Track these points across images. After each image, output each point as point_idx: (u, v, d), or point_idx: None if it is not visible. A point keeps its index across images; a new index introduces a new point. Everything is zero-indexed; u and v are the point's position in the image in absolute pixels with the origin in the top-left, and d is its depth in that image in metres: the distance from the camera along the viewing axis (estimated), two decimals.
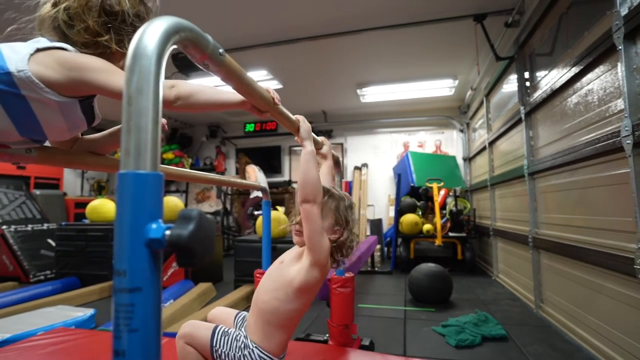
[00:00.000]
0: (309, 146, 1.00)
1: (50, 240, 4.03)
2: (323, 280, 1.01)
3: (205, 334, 0.99)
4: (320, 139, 1.25)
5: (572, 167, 2.03)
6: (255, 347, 0.98)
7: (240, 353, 0.97)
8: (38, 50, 0.69)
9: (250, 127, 6.34)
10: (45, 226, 4.16)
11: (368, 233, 5.27)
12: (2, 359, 1.52)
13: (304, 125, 1.03)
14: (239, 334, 1.01)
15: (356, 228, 1.07)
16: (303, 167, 0.96)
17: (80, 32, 0.77)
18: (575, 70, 1.93)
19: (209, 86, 0.81)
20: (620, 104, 1.57)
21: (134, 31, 0.85)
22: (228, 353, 0.97)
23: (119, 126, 0.92)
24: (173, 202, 3.64)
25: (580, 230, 1.96)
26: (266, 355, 0.98)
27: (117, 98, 0.74)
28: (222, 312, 1.19)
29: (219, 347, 0.98)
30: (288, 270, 1.01)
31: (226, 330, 1.01)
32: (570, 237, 2.05)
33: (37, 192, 4.85)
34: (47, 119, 0.74)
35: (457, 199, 4.51)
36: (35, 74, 0.67)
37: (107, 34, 0.78)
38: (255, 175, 4.95)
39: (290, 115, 0.98)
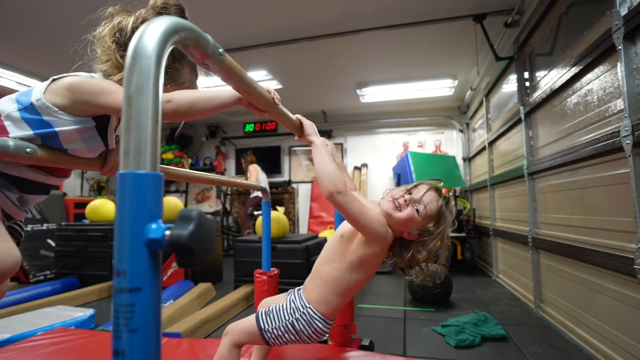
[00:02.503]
0: (316, 140, 0.99)
1: (50, 241, 4.03)
2: (384, 252, 1.01)
3: (250, 323, 1.01)
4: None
5: (571, 167, 2.03)
6: (310, 307, 1.00)
7: (292, 318, 0.99)
8: (54, 80, 0.85)
9: (250, 127, 6.34)
10: (45, 226, 4.16)
11: None
12: (3, 359, 1.52)
13: (306, 122, 1.03)
14: (285, 301, 1.03)
15: (440, 253, 1.03)
16: (316, 162, 0.96)
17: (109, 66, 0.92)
18: (574, 70, 1.93)
19: (203, 91, 0.86)
20: (619, 104, 1.57)
21: None
22: (279, 326, 0.99)
23: None
24: (173, 202, 3.63)
25: (580, 230, 1.96)
26: (319, 316, 1.00)
27: (117, 115, 0.89)
28: (272, 300, 1.20)
29: (268, 325, 0.99)
30: (347, 247, 1.01)
31: (267, 310, 1.03)
32: (570, 237, 2.05)
33: None
34: (69, 142, 0.87)
35: (456, 199, 4.51)
36: (49, 101, 0.83)
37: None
38: (257, 175, 4.95)
39: (290, 114, 0.98)
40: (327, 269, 1.03)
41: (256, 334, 0.99)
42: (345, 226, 1.05)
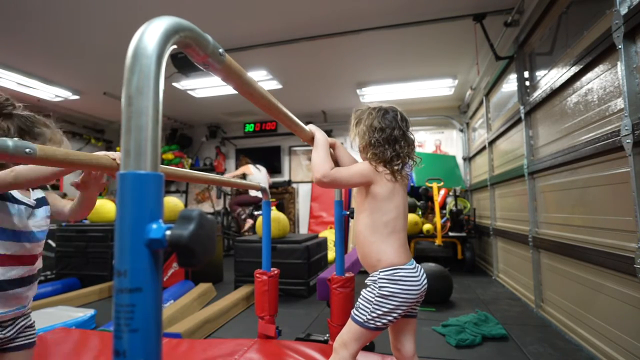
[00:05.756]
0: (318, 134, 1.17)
1: (50, 241, 4.02)
2: (390, 186, 1.08)
3: (351, 327, 1.04)
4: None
5: (572, 166, 2.03)
6: (379, 271, 1.04)
7: (376, 290, 1.02)
8: None
9: (250, 128, 6.34)
10: None
11: None
12: None
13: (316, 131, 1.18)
14: (363, 290, 1.07)
15: (398, 132, 1.12)
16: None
17: None
18: (575, 69, 1.93)
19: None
20: (620, 103, 1.57)
21: None
22: (374, 307, 1.01)
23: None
24: (173, 202, 3.63)
25: (580, 229, 1.96)
26: (393, 269, 1.03)
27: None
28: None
29: (366, 314, 1.02)
30: (363, 197, 1.12)
31: (356, 305, 1.06)
32: (570, 237, 2.05)
33: None
34: None
35: (457, 198, 4.51)
36: None
37: None
38: (240, 173, 4.98)
39: (297, 120, 0.99)
40: (361, 228, 1.10)
41: (363, 331, 1.02)
42: (356, 192, 1.19)
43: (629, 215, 1.50)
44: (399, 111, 1.16)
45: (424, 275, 1.08)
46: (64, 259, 3.55)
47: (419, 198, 4.60)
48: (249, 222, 4.93)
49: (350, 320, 1.05)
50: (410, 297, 1.02)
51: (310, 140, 1.17)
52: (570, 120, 2.05)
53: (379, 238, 1.06)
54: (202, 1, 2.70)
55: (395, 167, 1.09)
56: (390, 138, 1.10)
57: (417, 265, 1.08)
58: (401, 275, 1.02)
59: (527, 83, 2.74)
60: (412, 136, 1.15)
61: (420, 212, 4.47)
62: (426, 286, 1.07)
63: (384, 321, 1.01)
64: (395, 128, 1.11)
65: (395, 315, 1.01)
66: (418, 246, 4.34)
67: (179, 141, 6.55)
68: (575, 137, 1.99)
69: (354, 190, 1.19)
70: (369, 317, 1.01)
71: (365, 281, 1.08)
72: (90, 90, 4.57)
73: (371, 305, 1.01)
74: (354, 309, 1.06)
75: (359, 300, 1.06)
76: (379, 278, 1.03)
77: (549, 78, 2.31)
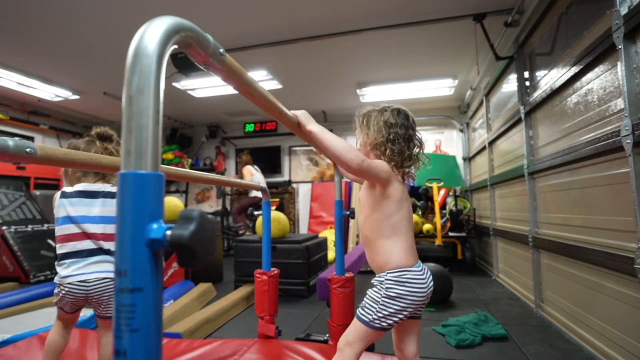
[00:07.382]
0: (314, 127, 1.00)
1: (50, 241, 4.03)
2: (401, 187, 1.06)
3: (356, 326, 1.03)
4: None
5: (572, 166, 2.03)
6: (387, 272, 1.03)
7: (383, 291, 1.01)
8: None
9: (250, 127, 6.33)
10: (45, 227, 4.15)
11: None
12: (3, 359, 1.53)
13: (299, 112, 1.02)
14: (370, 290, 1.06)
15: (409, 131, 1.10)
16: (327, 144, 0.97)
17: None
18: (575, 69, 1.93)
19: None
20: (620, 103, 1.57)
21: None
22: (380, 306, 1.00)
23: None
24: (173, 202, 3.63)
25: (580, 229, 1.95)
26: (401, 271, 1.02)
27: None
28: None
29: (372, 314, 1.01)
30: (374, 196, 1.07)
31: (361, 305, 1.05)
32: (570, 237, 2.05)
33: (37, 192, 4.84)
34: None
35: (457, 198, 4.51)
36: None
37: None
38: (250, 177, 4.99)
39: (287, 111, 0.95)
40: (369, 229, 1.07)
41: (368, 331, 1.01)
42: (363, 186, 1.14)
43: (629, 216, 1.50)
44: (409, 112, 1.15)
45: (431, 277, 1.07)
46: None
47: (419, 198, 4.60)
48: (248, 233, 5.06)
49: (355, 320, 1.05)
50: (417, 299, 1.02)
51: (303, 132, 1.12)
52: (570, 121, 2.05)
53: (387, 239, 1.05)
54: (202, 1, 2.70)
55: (407, 169, 1.08)
56: (405, 136, 1.08)
57: (424, 267, 1.07)
58: (408, 277, 1.02)
59: (527, 83, 2.74)
60: (420, 136, 1.14)
61: (420, 212, 4.46)
62: (432, 288, 1.06)
63: (390, 322, 1.00)
64: (408, 127, 1.10)
65: (401, 316, 1.01)
66: (418, 246, 4.32)
67: (179, 141, 6.55)
68: (575, 138, 1.99)
69: (360, 190, 1.16)
70: (375, 316, 1.00)
71: (372, 281, 1.08)
72: (90, 90, 4.57)
73: (377, 305, 1.01)
74: (359, 308, 1.05)
75: (365, 299, 1.05)
76: (386, 279, 1.02)
77: (549, 78, 2.31)
